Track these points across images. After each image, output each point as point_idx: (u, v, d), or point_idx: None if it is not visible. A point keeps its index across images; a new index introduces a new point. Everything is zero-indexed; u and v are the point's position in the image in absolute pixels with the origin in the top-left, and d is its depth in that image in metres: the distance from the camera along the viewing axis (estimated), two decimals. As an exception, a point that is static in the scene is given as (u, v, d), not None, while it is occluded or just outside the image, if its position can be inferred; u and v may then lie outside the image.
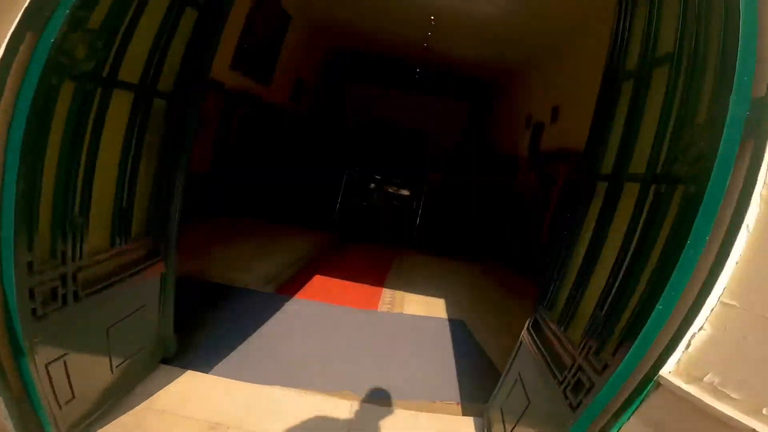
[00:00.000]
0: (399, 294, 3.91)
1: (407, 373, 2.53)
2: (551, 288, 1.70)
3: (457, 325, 3.41)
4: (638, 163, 1.36)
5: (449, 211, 10.82)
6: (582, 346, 1.32)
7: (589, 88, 5.41)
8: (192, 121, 1.85)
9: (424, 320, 3.44)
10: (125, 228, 1.69)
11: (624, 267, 1.24)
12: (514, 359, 1.85)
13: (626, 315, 1.18)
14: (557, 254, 1.69)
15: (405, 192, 7.37)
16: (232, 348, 2.45)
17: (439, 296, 4.08)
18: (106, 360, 1.64)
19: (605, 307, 1.27)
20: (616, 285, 1.26)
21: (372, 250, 5.51)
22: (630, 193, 1.34)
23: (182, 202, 1.90)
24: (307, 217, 7.05)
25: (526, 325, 1.80)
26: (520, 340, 1.83)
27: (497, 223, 7.26)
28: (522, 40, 6.73)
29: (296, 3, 6.77)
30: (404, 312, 3.53)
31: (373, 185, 7.39)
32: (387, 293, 3.88)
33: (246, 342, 2.55)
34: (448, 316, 3.63)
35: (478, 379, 2.57)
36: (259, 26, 5.94)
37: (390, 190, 7.34)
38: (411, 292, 4.03)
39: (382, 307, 3.55)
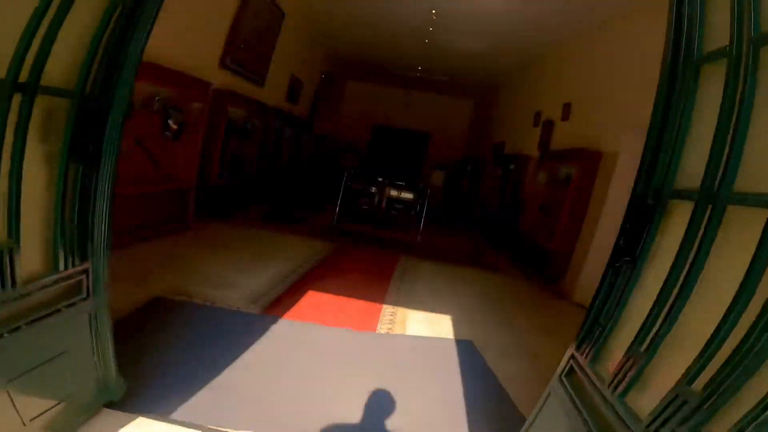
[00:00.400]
0: (401, 311, 3.54)
1: (407, 411, 2.16)
2: (597, 334, 1.32)
3: (464, 348, 3.03)
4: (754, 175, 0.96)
5: (454, 214, 10.46)
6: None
7: (604, 84, 5.14)
8: (115, 123, 1.48)
9: (428, 342, 3.06)
10: (12, 268, 1.26)
11: (731, 323, 0.85)
12: (540, 411, 1.47)
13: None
14: (607, 291, 1.30)
15: (408, 195, 6.98)
16: (201, 385, 2.09)
17: (445, 312, 3.71)
18: (13, 413, 1.29)
19: (707, 385, 0.89)
20: (725, 347, 0.87)
21: (372, 257, 5.14)
22: (740, 218, 0.96)
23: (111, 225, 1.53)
24: (305, 220, 6.73)
25: (558, 373, 1.42)
26: (549, 390, 1.45)
27: (506, 226, 6.89)
28: (529, 35, 6.35)
29: (289, -3, 6.46)
30: (406, 332, 3.16)
31: (374, 188, 7.00)
32: (387, 311, 3.51)
33: (219, 376, 2.19)
34: (455, 335, 3.25)
35: (492, 420, 2.19)
36: (249, 22, 5.61)
37: (392, 193, 6.95)
38: (414, 308, 3.66)
39: (382, 327, 3.18)
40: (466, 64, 8.98)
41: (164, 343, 2.40)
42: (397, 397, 2.27)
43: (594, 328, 1.31)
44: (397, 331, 3.16)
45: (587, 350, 1.32)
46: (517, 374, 2.70)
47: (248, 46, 5.85)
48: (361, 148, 13.49)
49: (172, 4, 4.21)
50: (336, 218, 6.74)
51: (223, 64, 5.32)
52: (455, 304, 4.00)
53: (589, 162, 4.71)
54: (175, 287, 3.14)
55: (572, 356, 1.40)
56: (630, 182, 1.32)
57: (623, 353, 1.16)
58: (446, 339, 3.16)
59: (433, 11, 5.99)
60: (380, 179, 7.32)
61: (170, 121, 4.40)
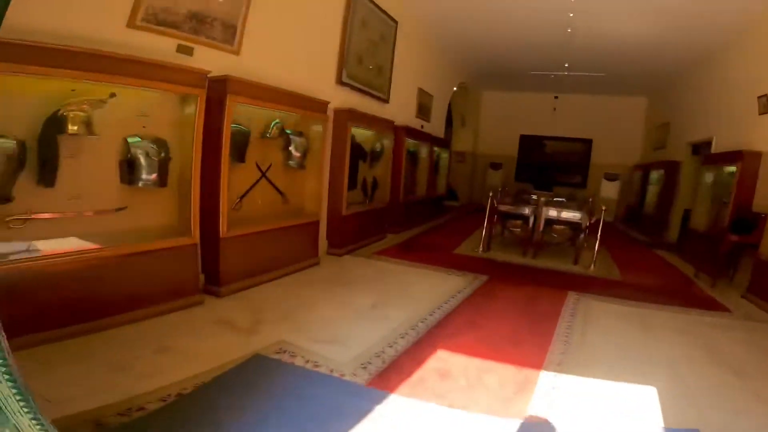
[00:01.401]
0: (568, 381, 2.37)
1: None
2: None
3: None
4: None
5: (637, 231, 8.33)
6: None
7: None
8: None
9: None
10: None
11: None
12: None
13: None
14: None
15: (572, 214, 5.55)
16: None
17: (644, 381, 2.39)
18: None
19: None
20: None
21: (527, 298, 3.97)
22: None
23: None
24: (444, 249, 5.86)
25: None
26: None
27: (730, 247, 4.87)
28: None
29: (399, 3, 5.90)
30: (577, 417, 2.00)
31: (527, 209, 5.80)
32: (547, 380, 2.38)
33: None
34: (668, 422, 1.96)
35: None
36: (359, 32, 5.20)
37: (551, 213, 5.62)
38: (590, 375, 2.45)
39: (535, 407, 2.09)
40: (629, 54, 7.12)
41: (245, 416, 1.80)
42: None
43: None
44: (564, 414, 2.02)
45: None
46: None
47: (363, 59, 5.45)
48: (507, 163, 12.17)
49: (279, 23, 3.97)
50: (481, 246, 5.73)
51: (339, 81, 4.97)
52: (660, 367, 2.62)
53: None
54: (281, 340, 2.61)
55: None
56: None
57: None
58: (650, 430, 1.89)
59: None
60: (534, 197, 6.12)
61: (292, 148, 4.12)
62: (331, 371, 2.31)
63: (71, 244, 2.53)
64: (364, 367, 2.39)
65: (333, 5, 4.74)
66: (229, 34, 3.37)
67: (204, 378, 2.11)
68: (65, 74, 2.23)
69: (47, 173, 2.31)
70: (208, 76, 2.99)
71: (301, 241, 4.24)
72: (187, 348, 2.42)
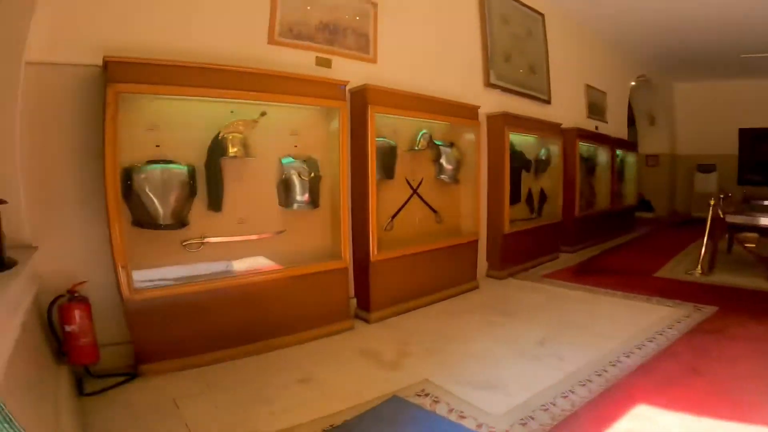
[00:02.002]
0: None
1: None
2: None
3: None
4: None
5: None
6: None
7: None
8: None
9: None
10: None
11: None
12: None
13: None
14: None
15: None
16: None
17: None
18: None
19: None
20: None
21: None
22: None
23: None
24: (646, 273, 4.64)
25: None
26: None
27: None
28: None
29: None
30: None
31: (766, 220, 4.28)
32: None
33: None
34: None
35: None
36: (500, 29, 4.67)
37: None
38: None
39: None
40: None
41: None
42: None
43: None
44: None
45: None
46: None
47: (512, 57, 4.84)
48: (723, 163, 9.56)
49: (409, 27, 3.67)
50: (700, 268, 4.38)
51: (488, 83, 4.48)
52: None
53: None
54: (425, 380, 2.22)
55: None
56: None
57: None
58: None
59: None
60: (772, 203, 4.50)
61: (443, 161, 3.81)
62: (480, 426, 1.79)
63: (247, 265, 2.67)
64: (524, 424, 1.79)
65: (464, 3, 4.35)
66: (362, 43, 3.31)
67: (337, 419, 1.85)
68: (221, 94, 2.36)
69: (215, 198, 2.47)
70: (348, 88, 2.92)
71: (457, 263, 3.82)
72: (329, 380, 2.24)
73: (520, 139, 4.82)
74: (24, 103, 1.96)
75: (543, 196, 5.41)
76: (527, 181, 5.10)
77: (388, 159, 3.32)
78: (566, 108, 5.91)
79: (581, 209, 5.98)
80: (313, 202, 2.87)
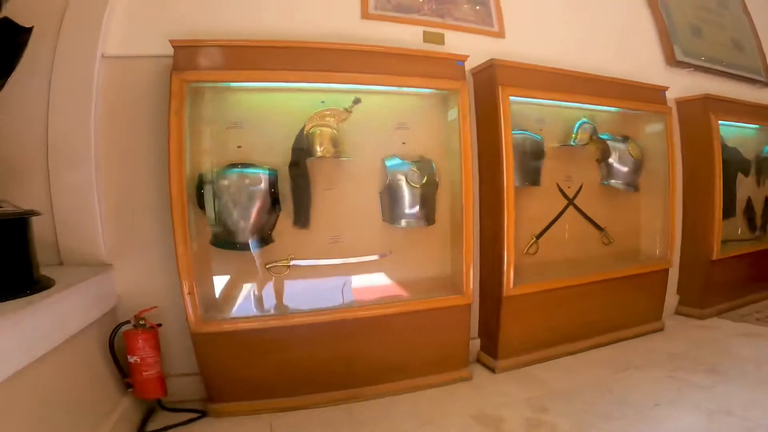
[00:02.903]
0: None
1: None
2: None
3: None
4: None
5: None
6: None
7: None
8: None
9: None
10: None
11: None
12: None
13: None
14: None
15: None
16: None
17: None
18: None
19: None
20: None
21: None
22: None
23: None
24: None
25: None
26: None
27: None
28: None
29: None
30: None
31: None
32: None
33: None
34: None
35: None
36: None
37: None
38: None
39: None
40: None
41: None
42: None
43: None
44: None
45: None
46: None
47: (703, 30, 3.49)
48: None
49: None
50: None
51: (673, 61, 3.21)
52: None
53: None
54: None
55: None
56: None
57: None
58: None
59: None
60: None
61: (614, 161, 2.77)
62: None
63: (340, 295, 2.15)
64: None
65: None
66: (483, 13, 2.54)
67: None
68: (306, 77, 1.89)
69: (302, 210, 2.00)
70: (469, 69, 2.25)
71: (633, 298, 2.72)
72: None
73: (730, 132, 3.38)
74: (101, 102, 1.77)
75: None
76: (745, 188, 3.56)
77: (530, 159, 2.47)
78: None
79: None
80: (427, 216, 2.20)
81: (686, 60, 3.37)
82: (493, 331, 2.39)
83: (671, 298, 3.16)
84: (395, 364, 2.11)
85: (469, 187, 2.13)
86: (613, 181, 2.75)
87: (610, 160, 2.73)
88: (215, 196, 1.86)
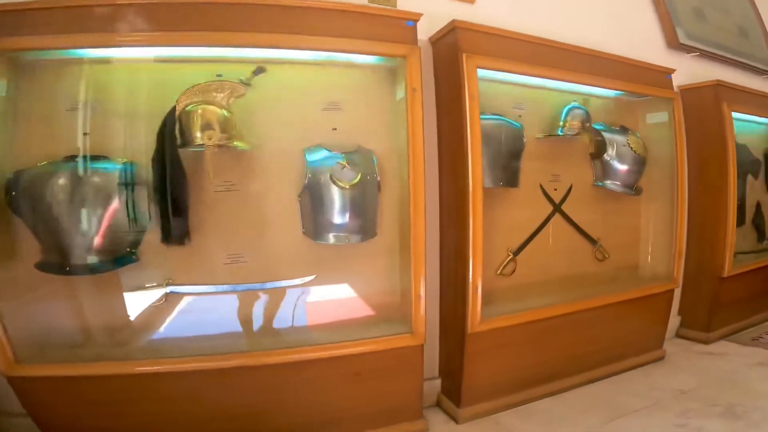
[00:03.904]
0: None
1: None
2: None
3: None
4: None
5: None
6: None
7: None
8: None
9: None
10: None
11: None
12: None
13: None
14: None
15: None
16: None
17: None
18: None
19: None
20: None
21: None
22: None
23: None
24: None
25: None
26: None
27: None
28: None
29: None
30: None
31: None
32: None
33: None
34: None
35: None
36: None
37: None
38: None
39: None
40: None
41: None
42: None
43: None
44: None
45: None
46: None
47: (706, 12, 3.06)
48: None
49: None
50: None
51: (676, 44, 2.71)
52: None
53: None
54: None
55: None
56: None
57: None
58: None
59: None
60: None
61: (611, 157, 2.21)
62: None
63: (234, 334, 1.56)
64: None
65: None
66: None
67: None
68: (186, 38, 1.32)
69: (175, 220, 1.39)
70: (428, 38, 1.75)
71: (632, 324, 2.22)
72: None
73: (738, 128, 2.88)
74: None
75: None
76: (755, 191, 3.08)
77: (507, 152, 1.90)
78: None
79: None
80: (364, 228, 1.62)
81: (690, 44, 2.88)
82: (455, 373, 1.86)
83: (672, 319, 2.67)
84: (325, 419, 1.58)
85: (420, 188, 1.56)
86: (609, 182, 2.22)
87: (608, 156, 2.19)
88: (36, 200, 1.24)
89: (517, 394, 1.93)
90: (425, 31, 1.82)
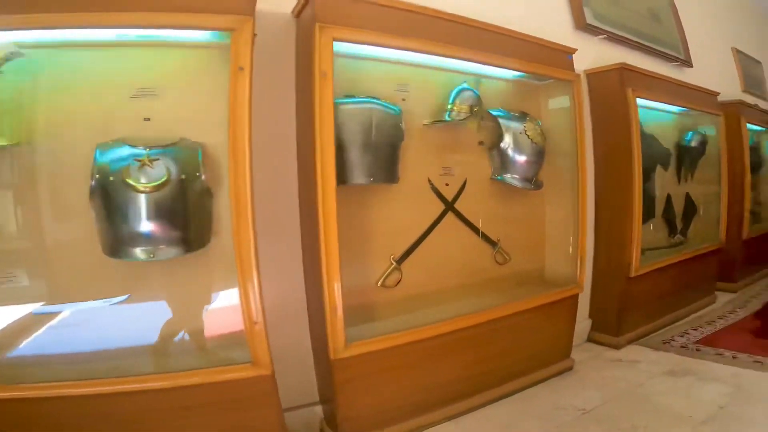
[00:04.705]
0: None
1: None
2: None
3: None
4: None
5: None
6: None
7: None
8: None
9: None
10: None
11: None
12: None
13: None
14: None
15: None
16: None
17: None
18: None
19: None
20: None
21: None
22: None
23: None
24: None
25: None
26: None
27: None
28: None
29: None
30: None
31: None
32: None
33: None
34: None
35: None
36: None
37: None
38: None
39: None
40: None
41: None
42: None
43: None
44: None
45: None
46: None
47: None
48: None
49: None
50: None
51: (583, 25, 2.58)
52: None
53: None
54: None
55: None
56: None
57: None
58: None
59: None
60: None
61: (507, 146, 1.98)
62: None
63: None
64: None
65: None
66: None
67: None
68: None
69: None
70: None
71: (535, 334, 2.02)
72: None
73: (647, 117, 2.79)
74: None
75: (691, 208, 3.27)
76: (664, 183, 3.02)
77: (381, 141, 1.60)
78: (712, 74, 3.75)
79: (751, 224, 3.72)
80: (187, 237, 1.27)
81: (597, 25, 2.73)
82: (330, 401, 1.56)
83: (584, 323, 2.53)
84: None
85: (243, 185, 1.21)
86: (508, 175, 1.99)
87: (504, 145, 1.96)
88: None
89: (410, 421, 1.66)
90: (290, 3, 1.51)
